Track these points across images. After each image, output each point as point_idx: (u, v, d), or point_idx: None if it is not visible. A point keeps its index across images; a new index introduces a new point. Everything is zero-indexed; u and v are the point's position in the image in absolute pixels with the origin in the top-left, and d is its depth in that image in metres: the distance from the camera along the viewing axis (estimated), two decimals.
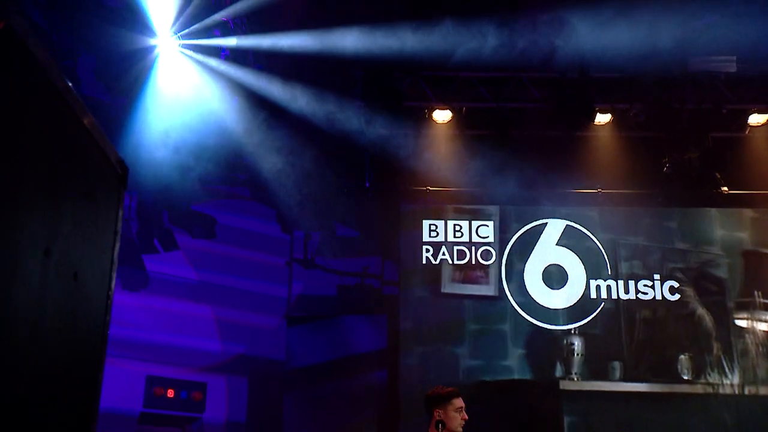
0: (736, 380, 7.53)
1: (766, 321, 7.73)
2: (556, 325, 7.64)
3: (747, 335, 7.68)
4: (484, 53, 7.60)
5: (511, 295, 7.73)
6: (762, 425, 7.43)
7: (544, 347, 7.56)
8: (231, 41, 7.12)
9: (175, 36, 6.97)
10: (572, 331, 7.64)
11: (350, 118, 7.84)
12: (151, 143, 7.38)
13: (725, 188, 7.89)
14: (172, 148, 7.69)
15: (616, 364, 7.60)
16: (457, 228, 7.94)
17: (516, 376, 7.53)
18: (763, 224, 8.01)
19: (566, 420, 7.42)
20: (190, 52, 7.07)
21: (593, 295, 7.71)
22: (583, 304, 7.70)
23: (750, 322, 7.73)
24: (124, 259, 7.61)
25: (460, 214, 8.00)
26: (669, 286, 7.73)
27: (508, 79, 7.78)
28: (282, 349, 8.26)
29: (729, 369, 7.57)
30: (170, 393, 7.82)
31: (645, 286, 7.71)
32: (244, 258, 8.59)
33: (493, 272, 7.81)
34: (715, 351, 7.63)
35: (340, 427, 7.79)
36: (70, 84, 1.76)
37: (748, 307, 7.73)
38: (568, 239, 7.89)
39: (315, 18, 7.40)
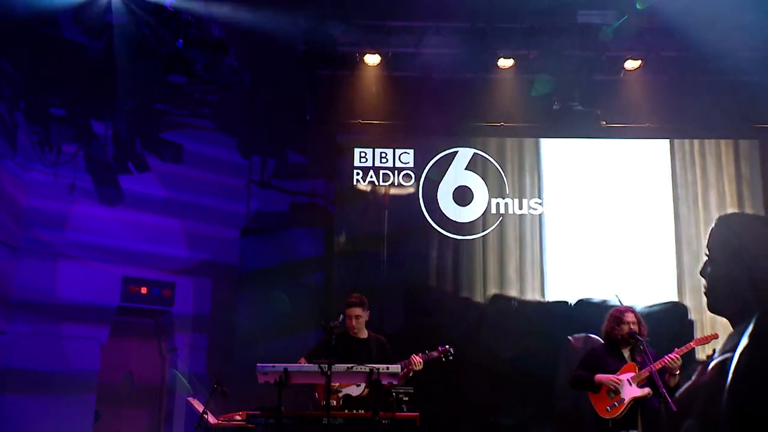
0: None
1: None
2: (461, 235, 9.13)
3: None
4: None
5: (426, 211, 9.21)
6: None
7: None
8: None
9: None
10: None
11: (294, 61, 9.08)
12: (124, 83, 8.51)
13: (603, 122, 9.21)
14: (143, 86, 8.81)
15: None
16: (383, 155, 9.27)
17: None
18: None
19: None
20: None
21: (493, 210, 9.19)
22: (485, 219, 9.18)
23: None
24: (101, 179, 8.92)
25: (386, 143, 9.28)
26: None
27: (428, 27, 9.01)
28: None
29: None
30: (143, 290, 8.91)
31: (535, 203, 9.21)
32: (208, 179, 9.52)
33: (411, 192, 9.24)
34: None
35: (285, 318, 9.03)
36: None
37: None
38: (475, 165, 9.29)
39: None
